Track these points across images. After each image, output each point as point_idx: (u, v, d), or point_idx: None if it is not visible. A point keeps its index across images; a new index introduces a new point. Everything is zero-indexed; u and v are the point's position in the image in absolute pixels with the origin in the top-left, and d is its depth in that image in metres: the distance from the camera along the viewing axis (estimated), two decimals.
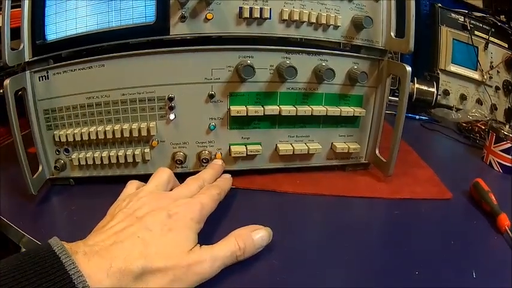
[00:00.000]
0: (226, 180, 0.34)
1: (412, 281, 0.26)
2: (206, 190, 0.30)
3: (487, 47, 0.67)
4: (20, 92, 0.32)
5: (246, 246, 0.26)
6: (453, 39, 0.67)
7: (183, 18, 0.32)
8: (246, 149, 0.36)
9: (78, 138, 0.34)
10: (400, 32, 0.35)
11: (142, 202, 0.26)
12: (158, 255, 0.22)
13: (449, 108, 0.66)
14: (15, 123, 0.31)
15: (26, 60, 0.32)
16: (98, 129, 0.33)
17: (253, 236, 0.26)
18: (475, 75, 0.67)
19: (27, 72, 0.32)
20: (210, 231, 0.29)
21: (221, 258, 0.24)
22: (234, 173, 0.37)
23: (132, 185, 0.30)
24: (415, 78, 0.66)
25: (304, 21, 0.34)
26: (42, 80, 0.33)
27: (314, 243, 0.30)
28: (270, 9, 0.33)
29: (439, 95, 0.66)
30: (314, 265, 0.27)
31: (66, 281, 0.18)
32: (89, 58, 0.32)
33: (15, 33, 0.31)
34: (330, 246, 0.29)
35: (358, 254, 0.29)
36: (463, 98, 0.67)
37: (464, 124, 0.60)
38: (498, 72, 0.67)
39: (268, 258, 0.27)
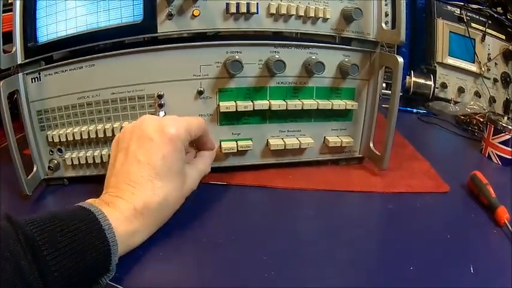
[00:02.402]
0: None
1: (408, 277, 0.24)
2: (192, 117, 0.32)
3: (484, 39, 0.64)
4: (15, 96, 0.32)
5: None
6: (450, 31, 0.65)
7: (170, 16, 0.31)
8: (237, 144, 0.35)
9: (70, 138, 0.33)
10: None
11: (133, 131, 0.28)
12: (165, 184, 0.26)
13: (447, 101, 0.64)
14: (9, 125, 0.30)
15: (19, 62, 0.31)
16: (89, 129, 0.33)
17: (212, 159, 0.33)
18: (473, 68, 0.65)
19: (20, 74, 0.32)
20: (203, 227, 0.28)
21: (201, 175, 0.31)
22: (225, 170, 0.36)
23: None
24: (412, 72, 0.64)
25: (292, 15, 0.33)
26: (35, 81, 0.32)
27: (306, 239, 0.28)
28: (257, 3, 0.32)
29: (437, 88, 0.64)
30: (306, 261, 0.26)
31: (95, 223, 0.22)
32: (79, 58, 0.32)
33: (8, 37, 0.31)
34: (323, 242, 0.28)
35: (351, 250, 0.27)
36: (461, 90, 0.65)
37: (462, 117, 0.58)
38: (496, 64, 0.64)
39: (258, 254, 0.26)
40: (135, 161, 0.26)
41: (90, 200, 0.25)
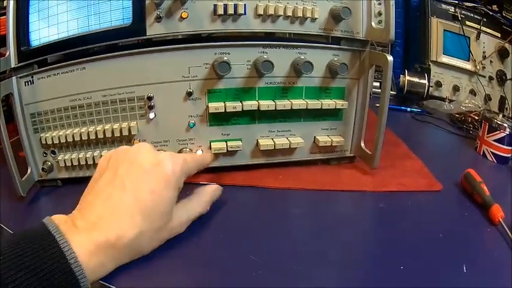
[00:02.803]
0: (208, 154, 0.33)
1: (399, 277, 0.24)
2: (188, 153, 0.30)
3: (479, 37, 0.63)
4: (10, 99, 0.32)
5: (209, 207, 0.28)
6: (444, 30, 0.64)
7: (158, 19, 0.31)
8: (227, 145, 0.35)
9: (63, 140, 0.33)
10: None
11: (126, 155, 0.26)
12: (145, 221, 0.23)
13: (442, 99, 0.63)
14: (3, 127, 0.30)
15: (12, 66, 0.31)
16: (81, 131, 0.33)
17: (213, 198, 0.29)
18: (468, 66, 0.64)
19: (14, 77, 0.31)
20: (193, 227, 0.27)
21: (192, 219, 0.27)
22: (215, 170, 0.36)
23: None
24: (406, 71, 0.63)
25: (280, 15, 0.33)
26: (28, 84, 0.32)
27: (296, 239, 0.28)
28: (245, 4, 0.31)
29: (431, 86, 0.63)
30: (296, 261, 0.25)
31: (59, 257, 0.20)
32: (70, 62, 0.32)
33: (3, 41, 0.31)
34: (313, 242, 0.27)
35: (342, 249, 0.27)
36: (456, 89, 0.64)
37: (457, 115, 0.56)
38: (491, 62, 0.63)
39: (247, 254, 0.25)
40: (120, 186, 0.23)
41: (60, 220, 0.22)
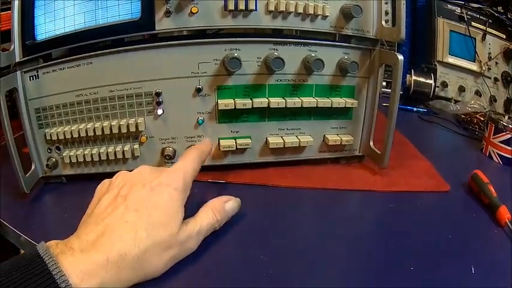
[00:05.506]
0: (205, 142, 0.32)
1: (408, 277, 0.24)
2: (185, 155, 0.28)
3: (485, 38, 0.63)
4: (14, 94, 0.31)
5: (222, 218, 0.27)
6: (450, 30, 0.64)
7: (168, 13, 0.31)
8: (236, 142, 0.35)
9: (68, 136, 0.32)
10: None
11: (127, 178, 0.25)
12: (151, 236, 0.22)
13: (448, 100, 0.63)
14: (7, 123, 0.30)
15: (17, 60, 0.31)
16: (87, 127, 0.32)
17: (226, 207, 0.27)
18: (474, 67, 0.64)
19: (18, 72, 0.31)
20: None
21: (204, 232, 0.25)
22: (224, 168, 0.36)
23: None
24: (412, 71, 0.63)
25: (291, 12, 0.32)
26: (33, 79, 0.32)
27: (305, 239, 0.28)
28: (256, 0, 0.31)
29: (437, 87, 0.63)
30: (304, 261, 0.25)
31: (49, 281, 0.18)
32: (77, 56, 0.31)
33: (7, 35, 0.31)
34: (322, 241, 0.27)
35: (350, 250, 0.27)
36: (461, 89, 0.64)
37: (463, 116, 0.57)
38: (497, 63, 0.64)
39: (257, 253, 0.25)
40: (122, 204, 0.23)
41: (52, 244, 0.21)
